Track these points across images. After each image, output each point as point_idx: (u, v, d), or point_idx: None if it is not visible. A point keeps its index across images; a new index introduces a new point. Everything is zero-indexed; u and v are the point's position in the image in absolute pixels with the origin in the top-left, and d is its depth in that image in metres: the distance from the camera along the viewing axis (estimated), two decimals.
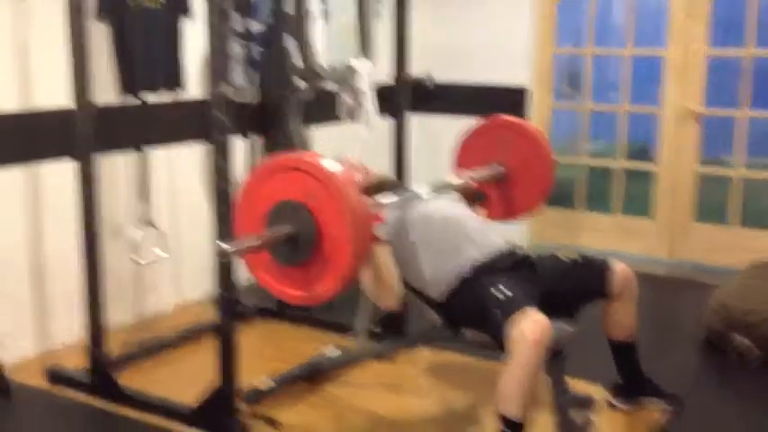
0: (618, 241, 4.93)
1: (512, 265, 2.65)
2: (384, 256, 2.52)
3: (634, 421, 2.89)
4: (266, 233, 2.21)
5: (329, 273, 2.16)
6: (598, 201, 5.19)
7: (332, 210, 2.12)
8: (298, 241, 2.17)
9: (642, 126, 5.49)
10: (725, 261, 4.54)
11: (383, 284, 2.54)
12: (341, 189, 2.12)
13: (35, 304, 3.41)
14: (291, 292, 2.26)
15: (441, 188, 2.94)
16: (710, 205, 5.00)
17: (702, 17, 4.57)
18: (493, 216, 3.14)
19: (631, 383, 2.93)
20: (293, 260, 2.21)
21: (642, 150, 5.51)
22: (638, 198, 5.11)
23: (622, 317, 2.80)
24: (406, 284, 2.67)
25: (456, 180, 3.00)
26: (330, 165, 2.17)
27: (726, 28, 4.85)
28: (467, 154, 3.23)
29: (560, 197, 5.32)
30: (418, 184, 2.93)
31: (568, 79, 5.95)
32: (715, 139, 4.97)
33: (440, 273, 2.61)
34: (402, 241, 2.67)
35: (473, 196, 3.04)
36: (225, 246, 2.16)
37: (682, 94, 4.68)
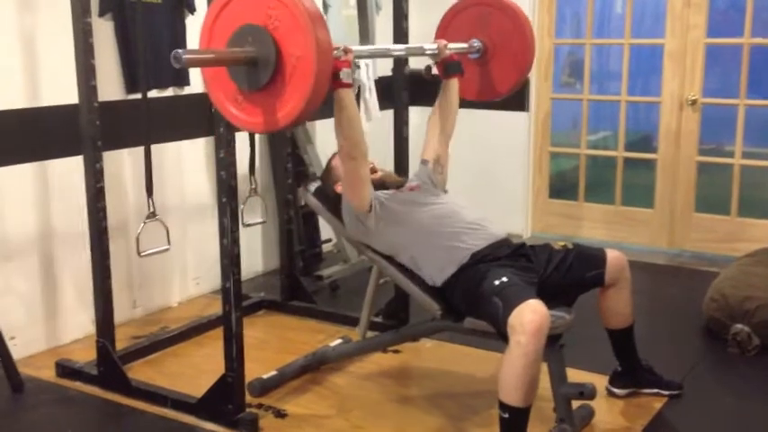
0: (618, 232, 4.95)
1: (509, 253, 2.69)
2: (350, 102, 2.54)
3: (633, 408, 2.92)
4: (224, 50, 2.22)
5: (290, 96, 2.17)
6: (598, 191, 5.22)
7: (294, 31, 2.12)
8: (257, 63, 2.18)
9: (646, 116, 5.52)
10: (725, 250, 4.57)
11: (350, 132, 2.57)
12: (303, 11, 2.11)
13: (46, 299, 3.46)
14: (253, 119, 2.28)
15: (415, 50, 2.92)
16: (710, 194, 5.02)
17: (701, 6, 4.58)
18: (469, 95, 3.13)
19: (630, 370, 2.96)
20: (253, 84, 2.21)
21: (646, 140, 5.53)
22: (638, 188, 5.14)
23: (618, 304, 2.83)
24: (405, 269, 2.72)
25: (431, 45, 2.99)
26: None
27: (724, 17, 4.86)
28: (447, 31, 3.21)
29: (561, 188, 5.36)
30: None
31: (570, 69, 5.98)
32: (714, 128, 5.00)
33: (437, 259, 2.66)
34: (401, 226, 2.72)
35: (448, 65, 3.03)
36: (180, 52, 2.11)
37: (680, 83, 4.70)
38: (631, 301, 2.86)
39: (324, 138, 4.33)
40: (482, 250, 2.65)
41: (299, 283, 4.01)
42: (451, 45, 3.05)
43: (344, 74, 2.49)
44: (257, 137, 3.94)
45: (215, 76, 2.32)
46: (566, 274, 2.69)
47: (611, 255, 2.77)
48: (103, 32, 3.48)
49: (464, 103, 3.25)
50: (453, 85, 3.06)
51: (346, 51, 2.52)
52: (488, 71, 3.19)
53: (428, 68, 3.11)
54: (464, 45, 3.13)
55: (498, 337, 2.42)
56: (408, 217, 2.75)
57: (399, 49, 2.79)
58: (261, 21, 2.18)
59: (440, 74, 3.07)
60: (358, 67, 3.31)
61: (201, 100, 3.86)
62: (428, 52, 2.99)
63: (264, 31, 2.17)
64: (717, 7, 4.61)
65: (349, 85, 2.54)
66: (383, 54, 2.79)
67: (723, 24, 4.86)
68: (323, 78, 2.17)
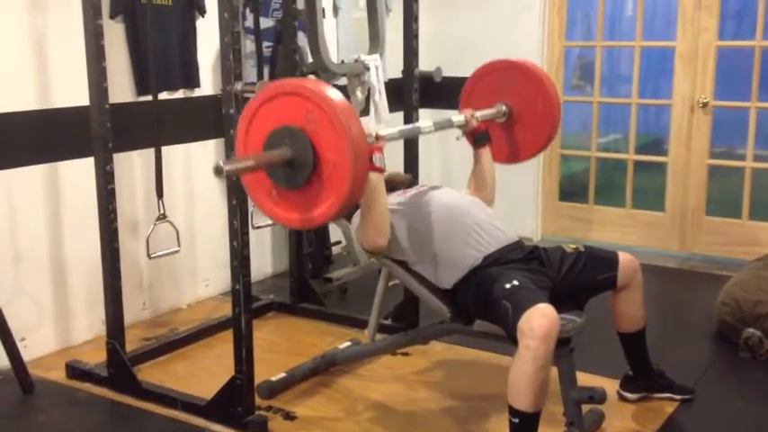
0: (629, 235, 4.93)
1: (521, 257, 2.68)
2: (379, 185, 2.54)
3: (644, 413, 2.90)
4: (262, 154, 2.24)
5: (327, 196, 2.19)
6: (609, 194, 5.20)
7: (330, 134, 2.14)
8: (294, 165, 2.20)
9: (657, 119, 5.51)
10: (736, 254, 4.55)
11: (374, 216, 2.55)
12: (338, 113, 2.13)
13: (56, 301, 3.46)
14: (289, 215, 2.29)
15: (443, 124, 2.94)
16: (721, 197, 5.00)
17: (712, 9, 4.56)
18: (497, 159, 3.12)
19: (642, 374, 2.94)
20: (291, 184, 2.24)
21: (656, 143, 5.52)
22: (649, 191, 5.11)
23: (630, 307, 2.82)
24: (414, 272, 2.71)
25: (458, 117, 3.00)
26: (329, 90, 2.19)
27: (736, 20, 4.84)
28: (472, 96, 3.23)
29: (571, 190, 5.34)
30: (422, 119, 2.91)
31: (580, 72, 5.96)
32: (726, 131, 4.97)
33: (448, 261, 2.64)
34: (411, 229, 2.70)
35: (476, 135, 3.04)
36: (221, 164, 2.14)
37: (691, 85, 4.68)
38: (643, 305, 2.84)
39: None
40: (494, 253, 2.63)
41: (309, 285, 4.01)
42: (479, 113, 3.04)
43: (377, 159, 2.52)
44: None
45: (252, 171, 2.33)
46: (578, 277, 2.68)
47: (624, 257, 2.75)
48: (114, 34, 3.49)
49: None
50: (485, 155, 3.04)
51: (378, 138, 2.55)
52: (513, 135, 3.19)
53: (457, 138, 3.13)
54: (492, 111, 3.12)
55: (508, 340, 2.41)
56: (419, 224, 2.72)
57: (428, 125, 2.86)
58: (298, 123, 2.19)
59: (470, 144, 3.08)
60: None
61: (211, 101, 3.88)
62: (456, 124, 2.99)
63: (302, 134, 2.18)
64: (728, 10, 4.58)
65: (381, 170, 2.55)
66: (413, 133, 2.86)
67: (735, 27, 4.83)
68: (359, 180, 2.19)
